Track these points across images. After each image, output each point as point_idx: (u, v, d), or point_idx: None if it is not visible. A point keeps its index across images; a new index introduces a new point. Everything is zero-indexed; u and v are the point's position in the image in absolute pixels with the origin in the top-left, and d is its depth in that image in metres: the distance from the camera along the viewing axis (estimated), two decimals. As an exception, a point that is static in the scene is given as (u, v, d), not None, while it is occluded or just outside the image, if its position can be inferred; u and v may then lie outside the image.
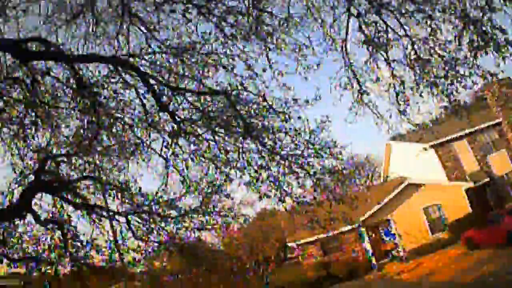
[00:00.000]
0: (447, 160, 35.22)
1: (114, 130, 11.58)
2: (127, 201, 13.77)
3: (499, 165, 35.21)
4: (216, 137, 10.42)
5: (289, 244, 37.76)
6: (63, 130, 12.48)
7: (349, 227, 32.28)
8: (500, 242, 22.87)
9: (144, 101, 10.47)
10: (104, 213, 14.05)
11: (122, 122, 11.48)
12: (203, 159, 11.04)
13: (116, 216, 14.13)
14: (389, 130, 10.49)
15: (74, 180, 13.09)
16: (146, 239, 14.28)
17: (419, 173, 35.11)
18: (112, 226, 14.74)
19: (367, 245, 33.37)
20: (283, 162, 10.50)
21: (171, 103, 10.23)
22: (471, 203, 32.24)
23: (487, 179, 34.10)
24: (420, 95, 9.61)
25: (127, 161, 13.15)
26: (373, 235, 34.62)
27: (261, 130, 10.19)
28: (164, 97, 10.07)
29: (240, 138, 10.27)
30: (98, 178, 13.21)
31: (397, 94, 9.86)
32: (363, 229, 33.34)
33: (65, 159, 12.98)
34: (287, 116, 10.19)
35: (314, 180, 10.67)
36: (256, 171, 10.44)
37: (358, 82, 10.13)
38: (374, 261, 32.96)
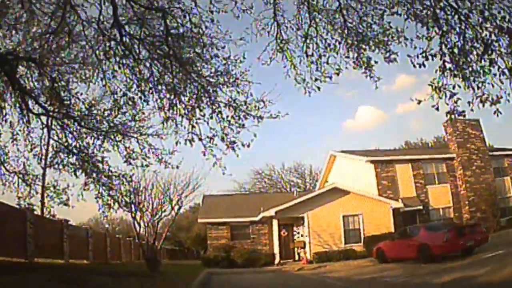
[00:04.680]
0: (383, 178, 31.60)
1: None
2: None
3: (437, 198, 31.86)
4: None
5: (200, 220, 33.51)
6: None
7: (261, 216, 29.43)
8: (412, 256, 18.99)
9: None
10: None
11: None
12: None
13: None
14: (306, 90, 9.63)
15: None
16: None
17: (355, 186, 31.04)
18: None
19: (275, 240, 28.39)
20: (197, 85, 10.47)
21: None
22: (397, 225, 27.79)
23: (420, 207, 30.01)
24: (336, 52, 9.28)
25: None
26: (285, 232, 29.80)
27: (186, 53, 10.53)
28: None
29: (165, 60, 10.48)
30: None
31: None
32: (275, 222, 28.44)
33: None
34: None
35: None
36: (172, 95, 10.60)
37: (278, 25, 9.64)
38: (277, 257, 28.29)
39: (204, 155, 10.47)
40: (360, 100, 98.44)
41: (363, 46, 9.23)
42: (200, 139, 10.37)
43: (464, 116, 7.79)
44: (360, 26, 9.21)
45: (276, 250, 28.46)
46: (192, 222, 60.71)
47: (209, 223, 32.51)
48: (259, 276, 20.72)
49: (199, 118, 10.50)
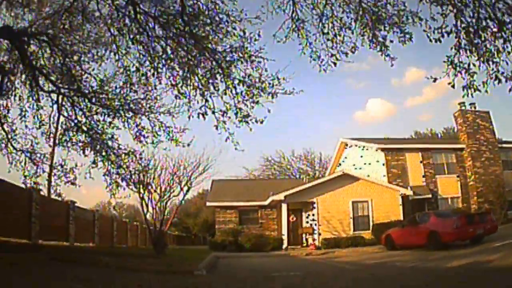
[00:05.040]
0: (393, 166, 31.25)
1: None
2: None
3: (446, 188, 31.54)
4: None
5: (208, 204, 33.29)
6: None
7: (270, 200, 29.26)
8: (421, 243, 18.61)
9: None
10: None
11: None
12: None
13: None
14: (321, 67, 9.58)
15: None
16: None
17: (365, 173, 30.97)
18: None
19: (284, 225, 28.21)
20: (212, 60, 10.27)
21: None
22: (405, 213, 27.52)
23: (429, 196, 29.66)
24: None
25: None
26: (294, 217, 29.63)
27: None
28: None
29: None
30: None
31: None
32: (284, 206, 28.23)
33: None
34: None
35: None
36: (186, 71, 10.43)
37: (294, 4, 9.45)
38: (286, 243, 28.07)
39: (217, 128, 10.49)
40: (370, 92, 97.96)
41: (378, 26, 9.13)
42: (213, 112, 10.39)
43: (480, 91, 7.64)
44: (375, 6, 9.11)
45: (285, 235, 28.24)
46: (200, 209, 60.88)
47: (217, 206, 32.44)
48: (266, 260, 20.59)
49: (212, 93, 10.49)
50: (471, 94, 7.66)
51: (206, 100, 10.43)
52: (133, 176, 15.54)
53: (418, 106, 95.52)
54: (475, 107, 33.39)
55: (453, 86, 7.61)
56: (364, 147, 34.00)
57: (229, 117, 10.43)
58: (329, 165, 42.93)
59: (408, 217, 23.03)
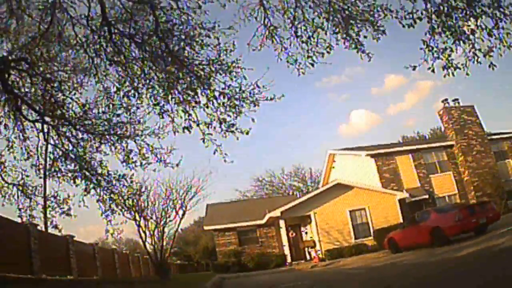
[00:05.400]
0: (385, 171, 31.06)
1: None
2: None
3: (441, 186, 31.36)
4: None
5: (205, 228, 32.85)
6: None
7: (267, 218, 28.91)
8: (425, 242, 18.18)
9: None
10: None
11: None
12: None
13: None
14: (299, 70, 9.55)
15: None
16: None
17: (358, 181, 30.66)
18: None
19: (284, 241, 27.73)
20: (190, 74, 10.27)
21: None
22: (404, 216, 27.26)
23: (426, 196, 29.47)
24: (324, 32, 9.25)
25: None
26: (293, 233, 29.25)
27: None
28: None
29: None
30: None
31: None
32: (282, 222, 27.83)
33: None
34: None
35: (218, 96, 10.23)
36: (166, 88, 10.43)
37: (265, 10, 9.45)
38: (289, 258, 27.50)
39: (204, 141, 10.21)
40: (352, 104, 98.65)
41: (350, 24, 9.10)
42: (198, 125, 10.17)
43: (460, 68, 7.68)
44: (345, 4, 9.07)
45: (287, 250, 27.78)
46: (198, 236, 60.45)
47: (215, 230, 31.91)
48: (272, 276, 20.12)
49: (194, 106, 10.32)
50: (452, 73, 7.64)
51: (189, 114, 10.30)
52: (126, 202, 15.11)
53: (401, 112, 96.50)
54: (458, 103, 33.58)
55: (432, 71, 7.65)
56: (353, 155, 33.89)
57: (214, 128, 10.21)
58: (320, 178, 42.69)
59: (408, 217, 22.71)
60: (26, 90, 13.41)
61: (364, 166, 32.17)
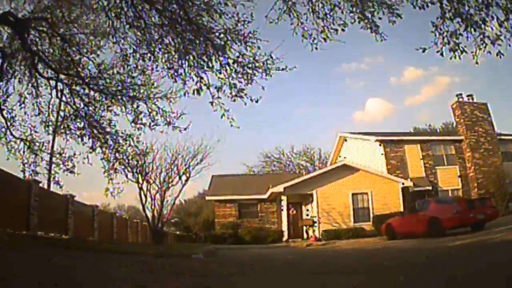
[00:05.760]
0: (392, 158, 31.01)
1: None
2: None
3: (446, 179, 31.27)
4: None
5: (207, 198, 33.08)
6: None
7: (270, 193, 28.95)
8: (422, 231, 18.21)
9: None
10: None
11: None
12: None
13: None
14: (312, 46, 9.48)
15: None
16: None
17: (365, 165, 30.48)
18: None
19: (284, 217, 27.92)
20: (206, 41, 10.24)
21: None
22: (406, 205, 27.16)
23: (429, 188, 29.35)
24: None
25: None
26: (294, 210, 29.38)
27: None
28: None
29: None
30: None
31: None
32: (283, 198, 27.95)
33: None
34: None
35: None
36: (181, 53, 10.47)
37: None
38: (286, 235, 27.76)
39: (212, 105, 10.35)
40: (369, 92, 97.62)
41: (368, 3, 9.07)
42: (208, 88, 10.30)
43: (466, 52, 7.79)
44: None
45: (285, 227, 27.96)
46: (200, 208, 60.47)
47: (217, 200, 32.16)
48: (266, 250, 20.29)
49: (206, 70, 10.45)
50: (458, 56, 7.74)
51: (201, 78, 10.41)
52: (130, 161, 15.48)
53: (416, 104, 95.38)
54: (472, 99, 33.21)
55: (441, 54, 7.74)
56: (362, 139, 33.81)
57: (224, 91, 10.37)
58: (328, 160, 42.66)
59: (408, 206, 22.72)
60: (44, 48, 13.61)
61: (372, 151, 32.14)
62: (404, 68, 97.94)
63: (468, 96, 33.29)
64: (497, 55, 7.53)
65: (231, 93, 10.38)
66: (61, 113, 15.01)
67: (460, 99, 32.85)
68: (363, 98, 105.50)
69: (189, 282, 5.89)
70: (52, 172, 15.84)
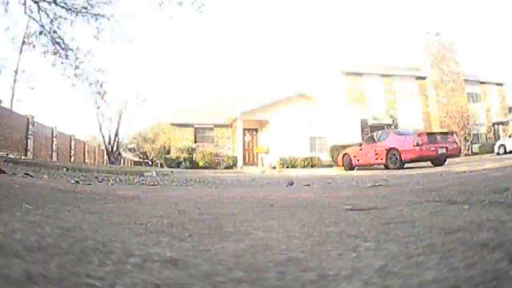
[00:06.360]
0: (352, 91, 30.09)
1: None
2: None
3: (408, 116, 30.59)
4: None
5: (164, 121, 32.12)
6: None
7: (226, 118, 27.71)
8: (380, 162, 17.57)
9: None
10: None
11: None
12: None
13: None
14: None
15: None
16: None
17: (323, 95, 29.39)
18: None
19: (239, 143, 26.82)
20: None
21: None
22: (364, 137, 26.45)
23: (389, 122, 28.71)
24: None
25: None
26: (250, 137, 28.37)
27: None
28: None
29: None
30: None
31: None
32: (239, 123, 26.77)
33: None
34: None
35: None
36: None
37: None
38: (240, 161, 26.79)
39: None
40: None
41: None
42: None
43: None
44: None
45: (240, 153, 27.02)
46: (157, 134, 59.35)
47: (173, 124, 31.02)
48: (219, 175, 19.39)
49: None
50: None
51: None
52: (89, 77, 15.50)
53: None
54: (439, 37, 32.17)
55: None
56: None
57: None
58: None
59: (367, 136, 21.93)
60: None
61: (333, 81, 30.92)
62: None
63: (435, 34, 32.20)
64: None
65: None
66: (27, 31, 15.26)
67: (427, 36, 31.72)
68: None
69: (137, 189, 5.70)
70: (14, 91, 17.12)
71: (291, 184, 6.71)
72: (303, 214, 2.57)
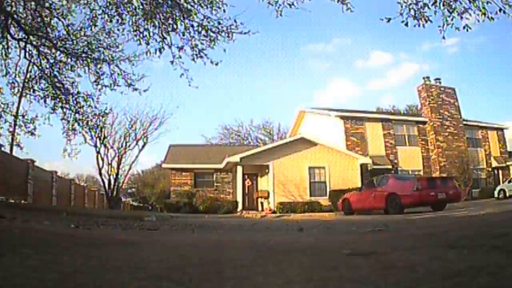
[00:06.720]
0: (352, 135, 30.19)
1: None
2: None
3: (407, 160, 30.70)
4: None
5: (164, 166, 32.64)
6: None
7: (226, 162, 28.18)
8: (379, 207, 17.52)
9: None
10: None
11: None
12: None
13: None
14: (278, 11, 9.58)
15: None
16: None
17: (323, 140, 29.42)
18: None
19: (239, 188, 26.80)
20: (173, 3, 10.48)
21: None
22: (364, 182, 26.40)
23: (389, 166, 28.71)
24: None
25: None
26: (250, 182, 28.58)
27: None
28: None
29: None
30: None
31: None
32: (239, 169, 26.75)
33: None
34: None
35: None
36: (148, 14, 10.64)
37: None
38: (240, 206, 26.64)
39: (172, 64, 10.73)
40: (333, 73, 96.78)
41: None
42: (170, 47, 10.79)
43: (431, 22, 8.04)
44: None
45: (240, 198, 26.90)
46: (157, 179, 59.28)
47: (173, 169, 31.02)
48: (219, 219, 19.23)
49: (171, 31, 10.86)
50: (423, 25, 7.99)
51: (164, 38, 10.79)
52: (89, 122, 15.63)
53: (382, 88, 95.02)
54: (440, 83, 32.67)
55: (406, 25, 8.01)
56: (322, 115, 32.96)
57: (185, 51, 10.78)
58: (287, 135, 41.76)
59: (367, 181, 21.92)
60: (18, 10, 13.76)
61: (332, 127, 31.14)
62: (372, 52, 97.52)
63: (435, 79, 32.78)
64: (464, 28, 7.80)
65: (192, 53, 10.76)
66: (27, 75, 15.29)
67: (427, 82, 32.27)
68: (328, 78, 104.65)
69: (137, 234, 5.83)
70: (15, 134, 16.17)
71: (301, 230, 6.74)
72: (303, 258, 2.56)
